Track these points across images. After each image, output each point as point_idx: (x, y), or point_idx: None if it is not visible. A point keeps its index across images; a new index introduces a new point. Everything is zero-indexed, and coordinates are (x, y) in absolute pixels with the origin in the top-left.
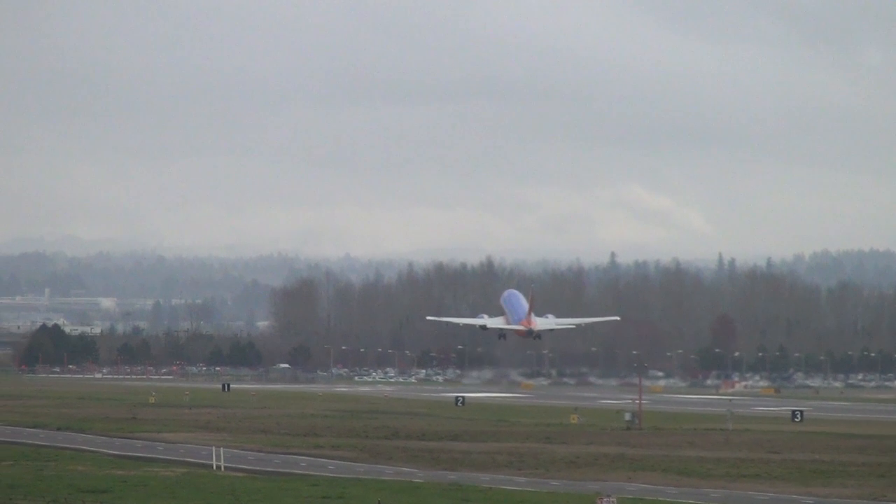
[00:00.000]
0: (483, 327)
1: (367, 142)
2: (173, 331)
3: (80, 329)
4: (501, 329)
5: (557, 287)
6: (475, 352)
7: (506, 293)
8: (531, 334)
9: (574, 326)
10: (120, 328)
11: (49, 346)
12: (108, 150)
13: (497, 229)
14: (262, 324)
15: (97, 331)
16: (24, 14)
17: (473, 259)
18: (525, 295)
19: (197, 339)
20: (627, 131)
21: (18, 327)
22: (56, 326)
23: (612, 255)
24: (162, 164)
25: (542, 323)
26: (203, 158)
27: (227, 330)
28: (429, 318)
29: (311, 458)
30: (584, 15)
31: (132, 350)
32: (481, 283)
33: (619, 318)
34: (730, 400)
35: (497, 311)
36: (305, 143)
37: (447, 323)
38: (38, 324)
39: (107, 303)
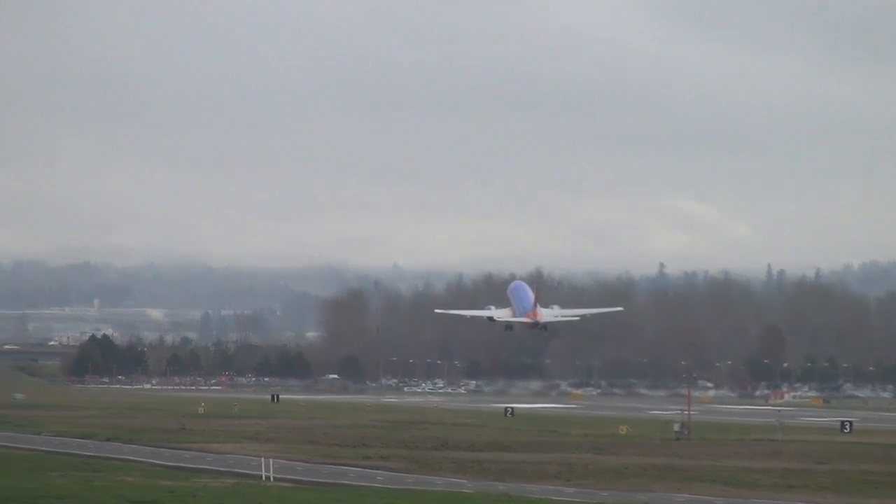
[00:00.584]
0: (490, 318)
1: (416, 152)
2: (222, 341)
3: (129, 340)
4: (509, 321)
5: (606, 297)
6: (524, 362)
7: (512, 285)
8: (537, 326)
9: (578, 318)
10: (169, 339)
11: (98, 357)
12: (157, 161)
13: (545, 240)
14: (311, 334)
15: (146, 342)
16: (69, 24)
17: (522, 270)
18: (531, 287)
19: (246, 350)
20: (674, 141)
21: (68, 338)
22: (105, 337)
23: (661, 265)
24: (211, 174)
25: (547, 314)
26: (252, 168)
27: (275, 340)
28: (437, 310)
29: (360, 469)
30: (625, 24)
31: (181, 361)
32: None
33: (622, 308)
34: (778, 410)
35: (504, 303)
36: (353, 153)
37: (455, 315)
38: (88, 335)
39: (155, 314)
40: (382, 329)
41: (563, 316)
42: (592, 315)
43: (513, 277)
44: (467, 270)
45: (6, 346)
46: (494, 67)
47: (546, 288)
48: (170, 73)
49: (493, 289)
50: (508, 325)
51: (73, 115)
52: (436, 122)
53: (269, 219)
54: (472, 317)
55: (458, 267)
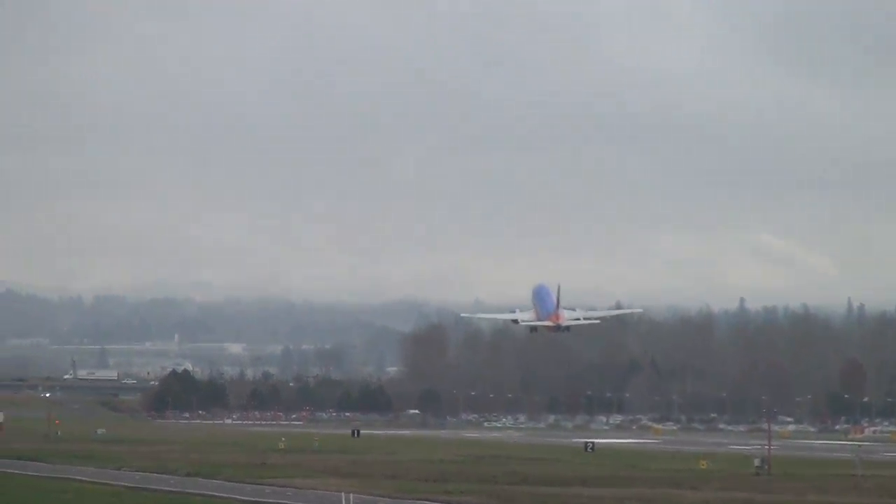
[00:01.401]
0: (515, 321)
1: (495, 187)
2: (303, 376)
3: (209, 374)
4: (533, 324)
5: (686, 332)
6: (604, 397)
7: (535, 287)
8: (559, 328)
9: (598, 321)
10: (249, 374)
11: (179, 392)
12: (237, 195)
13: (624, 274)
14: (392, 369)
15: (227, 376)
16: (169, 63)
17: (602, 304)
18: (553, 289)
19: (326, 385)
20: (752, 175)
21: (148, 373)
22: (186, 372)
23: (741, 300)
24: (290, 209)
25: (569, 316)
26: (331, 203)
27: (356, 375)
28: (463, 315)
29: None
30: (708, 58)
31: (262, 395)
32: (610, 330)
33: (642, 310)
34: (859, 445)
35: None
36: (432, 188)
37: (479, 319)
38: (168, 369)
39: (236, 348)
40: (462, 364)
41: (584, 318)
42: (611, 317)
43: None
44: None
45: (88, 381)
46: (574, 102)
47: (626, 323)
48: (254, 112)
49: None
50: (534, 328)
51: (159, 152)
52: (517, 158)
53: (350, 253)
54: (498, 320)
55: None
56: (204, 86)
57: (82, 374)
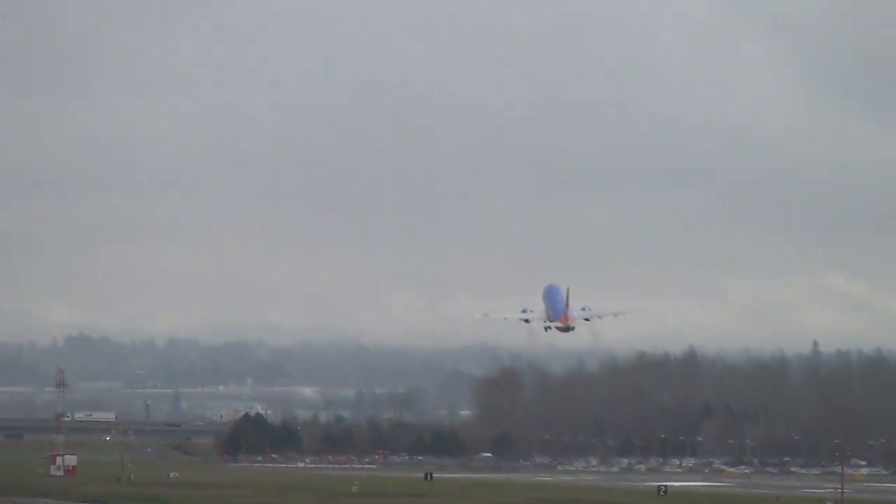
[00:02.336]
0: (526, 321)
1: (566, 230)
2: (376, 420)
3: (282, 418)
4: (546, 324)
5: (759, 375)
6: (677, 440)
7: (546, 287)
8: (568, 329)
9: (601, 318)
10: (322, 417)
11: (252, 435)
12: (309, 238)
13: (698, 317)
14: (465, 412)
15: (299, 420)
16: (219, 102)
17: (675, 348)
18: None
19: (399, 428)
20: (823, 218)
21: (221, 416)
22: (258, 415)
23: (815, 343)
24: (362, 252)
25: (578, 315)
26: (402, 246)
27: (429, 419)
28: (476, 315)
29: None
30: (778, 102)
31: (335, 439)
32: (684, 373)
33: (645, 311)
34: None
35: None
36: (503, 231)
37: (493, 319)
38: (241, 413)
39: (308, 392)
40: (535, 407)
41: (591, 315)
42: (624, 314)
43: (666, 357)
44: (620, 349)
45: (160, 425)
46: (644, 143)
47: (699, 366)
48: (325, 151)
49: (647, 367)
50: (548, 327)
51: (229, 194)
52: (592, 202)
53: (421, 296)
54: (510, 319)
55: (611, 344)
56: (273, 126)
57: (99, 415)
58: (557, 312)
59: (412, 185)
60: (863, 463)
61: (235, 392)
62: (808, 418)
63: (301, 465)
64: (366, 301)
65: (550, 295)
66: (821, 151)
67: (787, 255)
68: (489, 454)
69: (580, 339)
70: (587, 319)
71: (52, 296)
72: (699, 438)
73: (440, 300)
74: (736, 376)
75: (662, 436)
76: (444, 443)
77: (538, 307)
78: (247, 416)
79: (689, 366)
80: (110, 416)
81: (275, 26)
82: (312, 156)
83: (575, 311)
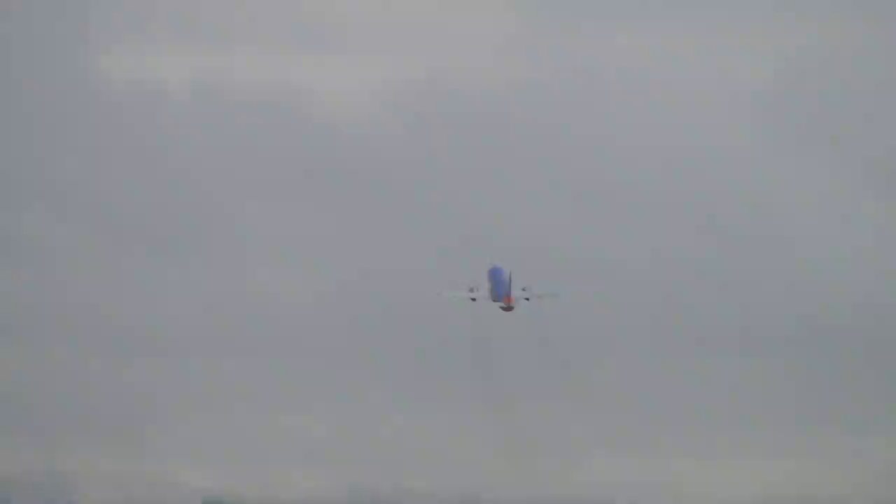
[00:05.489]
0: (473, 300)
1: (698, 392)
2: None
3: None
4: (498, 305)
5: None
6: None
7: (491, 268)
8: (510, 308)
9: (528, 299)
10: None
11: None
12: (442, 399)
13: (832, 479)
14: None
15: None
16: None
17: None
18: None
19: None
20: None
21: None
22: None
23: None
24: (496, 415)
25: (519, 296)
26: (539, 405)
27: None
28: (438, 294)
29: None
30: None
31: None
32: None
33: (560, 294)
34: None
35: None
36: (638, 392)
37: (447, 298)
38: None
39: None
40: None
41: (532, 296)
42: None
43: None
44: None
45: None
46: (774, 306)
47: None
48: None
49: None
50: (507, 307)
51: (367, 358)
52: (718, 363)
53: (556, 458)
54: (460, 298)
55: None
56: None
57: None
58: (501, 292)
59: (544, 350)
60: None
61: None
62: None
63: None
64: (499, 462)
65: (495, 276)
66: None
67: None
68: None
69: (714, 501)
70: (527, 299)
71: (185, 460)
72: None
73: (575, 461)
74: None
75: None
76: None
77: (484, 287)
78: None
79: None
80: None
81: None
82: (430, 308)
83: (516, 291)
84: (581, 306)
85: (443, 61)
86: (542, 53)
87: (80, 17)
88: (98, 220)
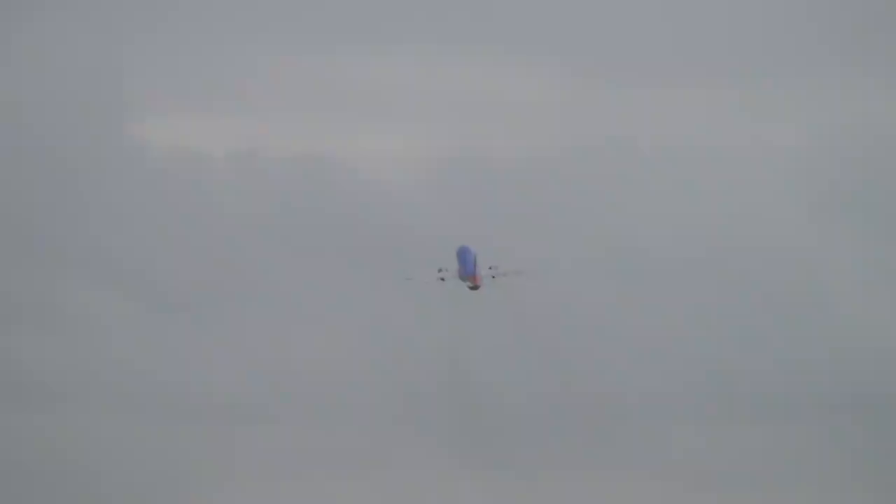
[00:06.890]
0: (441, 279)
1: (736, 458)
2: None
3: None
4: (466, 283)
5: None
6: None
7: (459, 248)
8: (476, 288)
9: (505, 276)
10: None
11: None
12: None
13: None
14: None
15: None
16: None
17: None
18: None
19: None
20: None
21: None
22: None
23: None
24: (544, 479)
25: (485, 275)
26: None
27: None
28: (406, 278)
29: None
30: None
31: None
32: None
33: (523, 271)
34: None
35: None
36: (672, 457)
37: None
38: None
39: None
40: None
41: (497, 274)
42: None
43: None
44: None
45: None
46: (819, 374)
47: None
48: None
49: None
50: (474, 287)
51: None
52: (760, 428)
53: None
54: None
55: None
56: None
57: None
58: (467, 271)
59: (586, 422)
60: None
61: None
62: None
63: None
64: None
65: (462, 256)
66: None
67: None
68: None
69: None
70: (493, 277)
71: None
72: None
73: None
74: None
75: None
76: None
77: (453, 267)
78: None
79: None
80: None
81: None
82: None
83: (483, 270)
84: (620, 374)
85: (479, 131)
86: (580, 123)
87: (116, 86)
88: (140, 288)
